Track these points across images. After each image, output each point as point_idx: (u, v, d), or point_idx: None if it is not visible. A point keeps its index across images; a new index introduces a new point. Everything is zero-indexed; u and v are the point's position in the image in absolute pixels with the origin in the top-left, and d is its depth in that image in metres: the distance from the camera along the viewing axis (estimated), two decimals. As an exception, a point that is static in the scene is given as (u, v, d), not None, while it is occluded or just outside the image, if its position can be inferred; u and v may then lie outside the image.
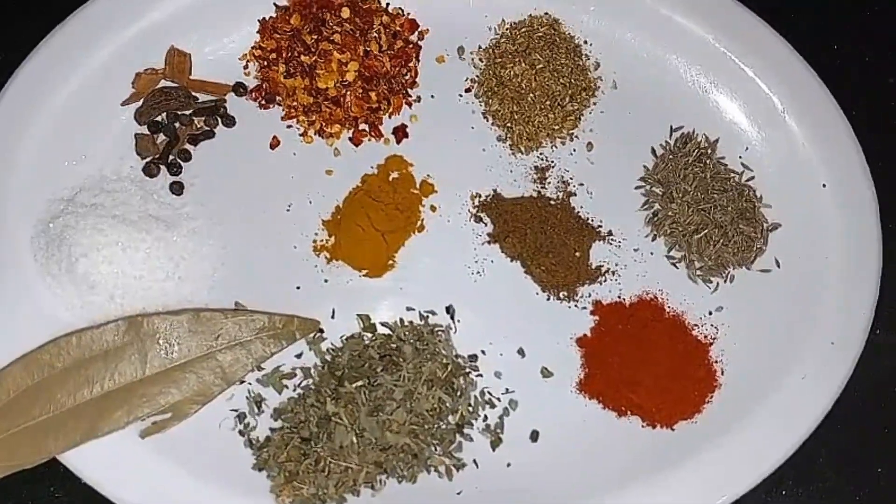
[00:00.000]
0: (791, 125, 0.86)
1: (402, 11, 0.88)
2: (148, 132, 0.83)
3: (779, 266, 0.83)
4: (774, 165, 0.86)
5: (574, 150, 0.86)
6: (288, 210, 0.82)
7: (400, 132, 0.85)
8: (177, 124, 0.83)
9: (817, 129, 0.86)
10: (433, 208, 0.83)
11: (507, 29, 0.88)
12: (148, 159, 0.82)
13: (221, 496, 0.73)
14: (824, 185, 0.85)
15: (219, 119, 0.84)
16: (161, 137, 0.83)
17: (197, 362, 0.75)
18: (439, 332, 0.79)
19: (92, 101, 0.82)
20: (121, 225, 0.76)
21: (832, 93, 0.86)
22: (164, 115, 0.83)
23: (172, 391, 0.74)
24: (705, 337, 0.81)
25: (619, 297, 0.82)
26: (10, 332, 0.75)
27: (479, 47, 0.88)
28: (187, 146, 0.83)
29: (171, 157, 0.82)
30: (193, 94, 0.84)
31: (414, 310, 0.80)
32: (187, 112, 0.83)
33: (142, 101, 0.83)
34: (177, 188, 0.81)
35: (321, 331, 0.79)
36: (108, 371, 0.73)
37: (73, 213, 0.77)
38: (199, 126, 0.84)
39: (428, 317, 0.80)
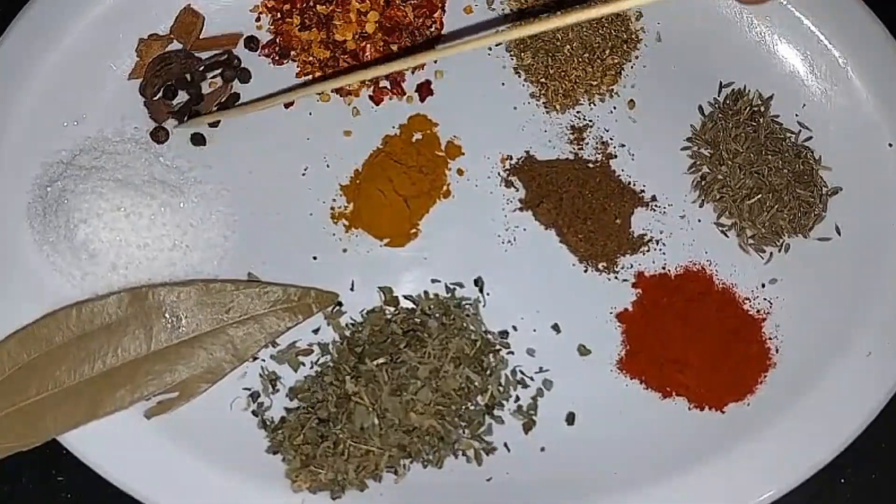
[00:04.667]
0: (853, 80, 0.83)
1: (427, -42, 0.84)
2: (162, 97, 0.80)
3: (839, 234, 0.80)
4: (834, 124, 0.82)
5: (614, 108, 0.83)
6: (304, 174, 0.79)
7: (424, 89, 0.82)
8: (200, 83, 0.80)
9: (882, 84, 0.82)
10: (460, 172, 0.80)
11: (540, -25, 0.84)
12: (156, 125, 0.79)
13: (232, 480, 0.71)
14: (890, 146, 0.81)
15: (234, 73, 0.80)
16: (177, 99, 0.80)
17: (206, 337, 0.73)
18: (467, 306, 0.76)
19: (90, 57, 0.79)
20: (124, 189, 0.73)
21: (899, 44, 0.82)
22: (172, 81, 0.80)
23: (180, 368, 0.72)
24: (758, 311, 0.78)
25: (664, 268, 0.79)
26: (6, 305, 0.72)
27: (511, -4, 0.85)
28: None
29: (192, 111, 0.79)
30: (199, 54, 0.81)
31: (440, 282, 0.77)
32: (199, 68, 0.80)
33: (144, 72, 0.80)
34: (199, 139, 0.78)
35: (340, 304, 0.76)
36: (110, 346, 0.71)
37: (73, 177, 0.74)
38: (215, 82, 0.81)
39: (455, 289, 0.77)
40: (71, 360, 0.70)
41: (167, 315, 0.72)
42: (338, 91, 0.81)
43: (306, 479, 0.70)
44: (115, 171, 0.75)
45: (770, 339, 0.77)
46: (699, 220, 0.80)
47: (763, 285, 0.78)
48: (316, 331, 0.76)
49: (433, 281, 0.77)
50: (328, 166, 0.79)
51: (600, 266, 0.78)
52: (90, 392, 0.70)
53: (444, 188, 0.79)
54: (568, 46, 0.81)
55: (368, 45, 0.80)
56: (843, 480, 0.77)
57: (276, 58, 0.81)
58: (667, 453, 0.74)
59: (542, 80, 0.82)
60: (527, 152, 0.81)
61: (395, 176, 0.79)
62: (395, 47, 0.80)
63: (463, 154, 0.80)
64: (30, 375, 0.70)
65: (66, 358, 0.70)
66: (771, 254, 0.79)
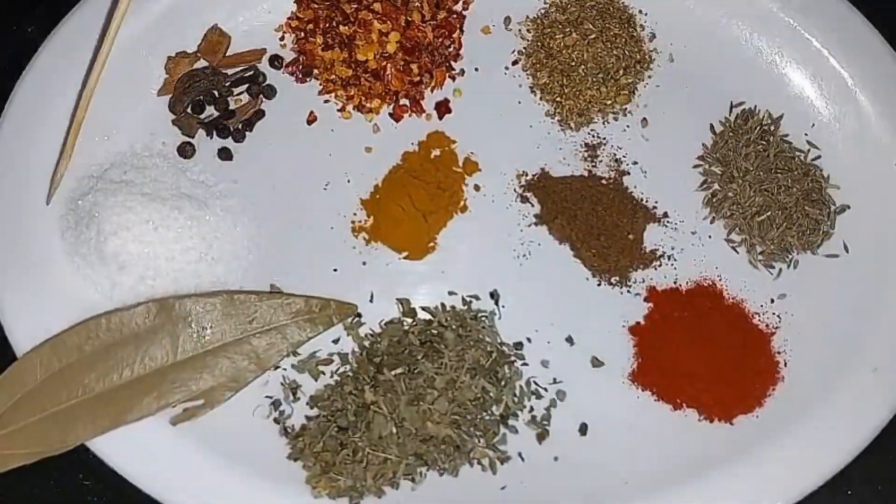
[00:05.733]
0: (861, 100, 0.83)
1: (446, -21, 0.85)
2: (191, 112, 0.81)
3: (847, 251, 0.80)
4: (843, 143, 0.83)
5: (627, 127, 0.83)
6: (325, 189, 0.80)
7: (442, 107, 0.83)
8: (227, 98, 0.82)
9: (890, 105, 0.83)
10: (477, 188, 0.81)
11: (556, -3, 0.85)
12: (184, 140, 0.80)
13: (254, 486, 0.71)
14: (897, 165, 0.81)
15: (259, 88, 0.82)
16: (205, 113, 0.81)
17: (230, 347, 0.73)
18: (483, 318, 0.76)
19: (121, 75, 0.80)
20: (152, 203, 0.74)
21: (906, 66, 0.83)
22: (201, 96, 0.81)
23: (205, 377, 0.72)
24: (767, 326, 0.78)
25: (675, 282, 0.79)
26: (38, 315, 0.73)
27: (527, 17, 0.86)
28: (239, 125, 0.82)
29: (220, 125, 0.81)
30: (225, 71, 0.82)
31: (456, 294, 0.78)
32: (226, 83, 0.81)
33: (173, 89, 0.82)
34: (226, 154, 0.79)
35: (359, 315, 0.77)
36: (137, 355, 0.72)
37: (103, 191, 0.75)
38: (239, 100, 0.82)
39: (471, 302, 0.77)
40: (100, 368, 0.71)
41: (193, 325, 0.73)
42: (359, 108, 0.82)
43: (326, 485, 0.70)
44: (143, 186, 0.76)
45: (779, 353, 0.77)
46: (710, 237, 0.80)
47: (772, 300, 0.78)
48: (336, 341, 0.76)
49: (450, 293, 0.78)
50: (349, 181, 0.80)
51: (613, 280, 0.78)
52: (118, 399, 0.70)
53: (461, 203, 0.80)
54: (583, 66, 0.82)
55: (389, 65, 0.81)
56: (849, 492, 0.76)
57: (300, 76, 0.82)
58: (676, 463, 0.73)
59: (558, 98, 0.82)
60: (542, 169, 0.81)
61: (413, 191, 0.79)
62: (414, 67, 0.81)
63: (480, 170, 0.81)
64: (61, 382, 0.70)
65: (95, 366, 0.71)
66: (780, 270, 0.79)
